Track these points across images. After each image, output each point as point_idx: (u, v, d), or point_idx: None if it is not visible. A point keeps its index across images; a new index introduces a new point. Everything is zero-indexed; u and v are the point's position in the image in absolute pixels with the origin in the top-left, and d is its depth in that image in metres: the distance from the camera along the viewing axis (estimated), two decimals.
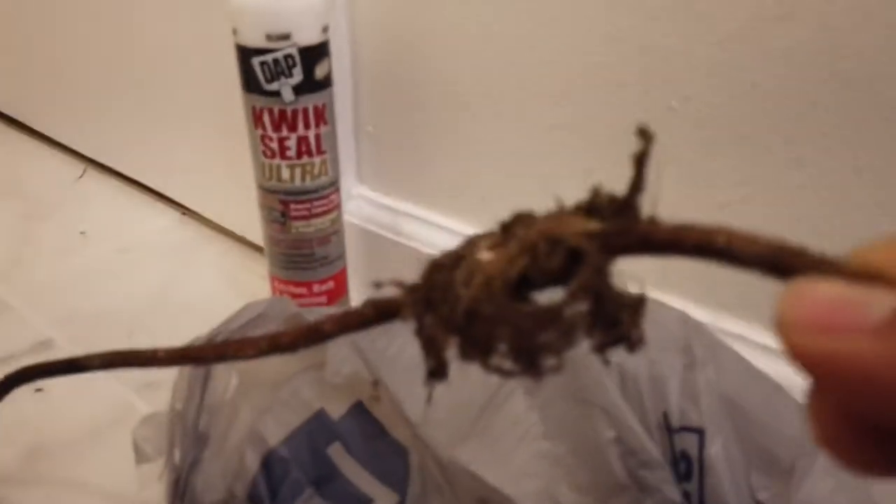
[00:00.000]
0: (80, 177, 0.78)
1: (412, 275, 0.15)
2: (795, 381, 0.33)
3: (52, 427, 0.45)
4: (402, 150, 0.49)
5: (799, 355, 0.11)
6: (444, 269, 0.14)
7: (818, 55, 0.30)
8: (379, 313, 0.17)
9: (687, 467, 0.30)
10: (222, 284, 0.59)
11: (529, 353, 0.13)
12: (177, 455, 0.37)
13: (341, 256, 0.48)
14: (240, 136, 0.44)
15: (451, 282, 0.14)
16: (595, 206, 0.14)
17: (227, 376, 0.41)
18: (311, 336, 0.19)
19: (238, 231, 0.64)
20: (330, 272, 0.47)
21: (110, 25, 0.66)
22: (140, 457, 0.38)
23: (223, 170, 0.60)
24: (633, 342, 0.14)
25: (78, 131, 0.79)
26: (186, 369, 0.40)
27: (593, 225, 0.13)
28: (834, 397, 0.11)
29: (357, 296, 0.52)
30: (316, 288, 0.47)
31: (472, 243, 0.15)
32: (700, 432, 0.29)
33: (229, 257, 0.63)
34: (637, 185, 0.13)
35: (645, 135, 0.13)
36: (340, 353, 0.39)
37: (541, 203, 0.45)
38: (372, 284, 0.17)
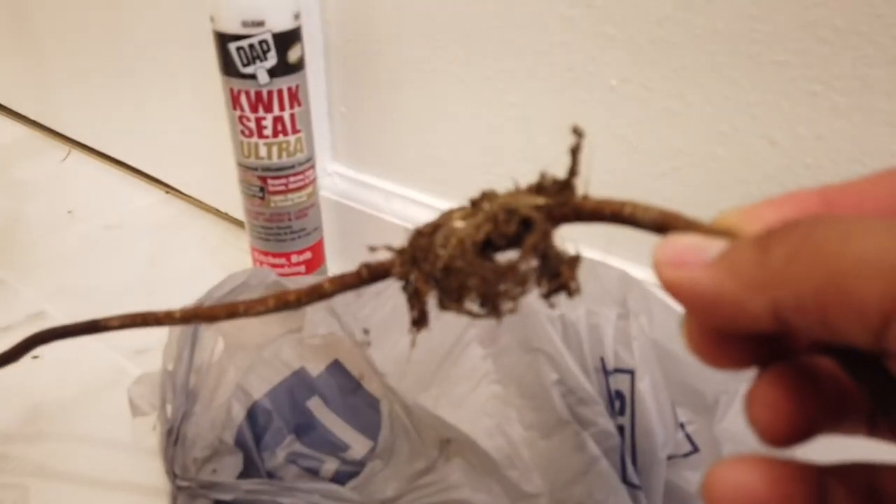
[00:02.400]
0: (65, 159, 0.80)
1: (385, 245, 0.19)
2: None
3: (49, 391, 0.48)
4: (374, 128, 0.52)
5: (664, 283, 0.15)
6: (425, 235, 0.18)
7: (735, 38, 0.34)
8: (372, 274, 0.20)
9: (621, 404, 0.34)
10: (206, 258, 0.63)
11: (492, 299, 0.17)
12: (169, 409, 0.41)
13: (318, 228, 0.51)
14: (220, 117, 0.47)
15: (432, 244, 0.18)
16: (542, 185, 0.17)
17: (213, 340, 0.45)
18: (313, 294, 0.22)
19: (220, 208, 0.68)
20: (307, 243, 0.50)
21: (95, 9, 0.68)
22: (135, 411, 0.41)
23: (205, 150, 0.63)
24: (571, 290, 0.17)
25: (61, 114, 0.82)
26: (175, 334, 0.44)
27: (540, 200, 0.17)
28: (691, 314, 0.15)
29: (333, 265, 0.55)
30: (294, 258, 0.50)
31: (447, 215, 0.18)
32: (631, 373, 0.33)
33: (212, 233, 0.66)
34: (573, 170, 0.17)
35: (577, 132, 0.17)
36: (317, 317, 0.43)
37: (501, 174, 0.49)
38: (368, 249, 0.20)
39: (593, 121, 0.40)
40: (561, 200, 0.17)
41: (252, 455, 0.40)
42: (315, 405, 0.44)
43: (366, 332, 0.39)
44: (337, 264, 0.57)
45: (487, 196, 0.18)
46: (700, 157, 0.38)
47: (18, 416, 0.47)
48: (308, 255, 0.51)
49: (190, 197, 0.71)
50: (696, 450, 0.34)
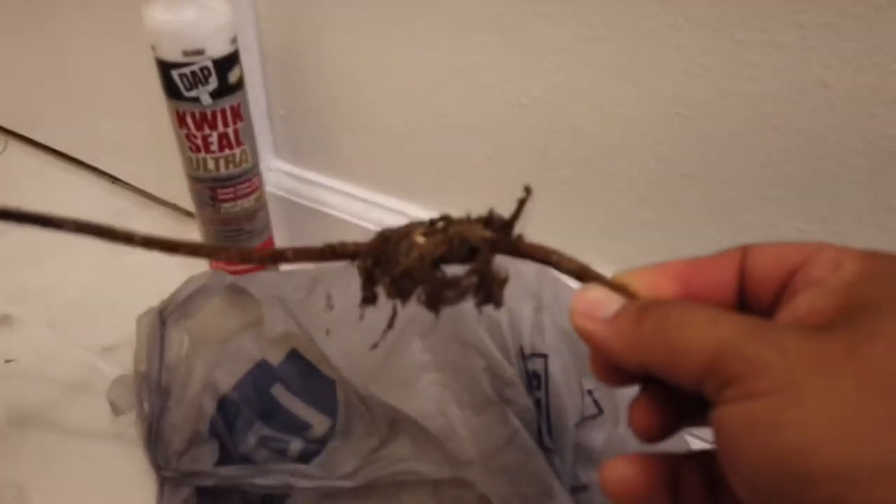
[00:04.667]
0: (1, 152, 0.81)
1: (328, 237, 0.23)
2: None
3: (27, 393, 0.52)
4: (312, 128, 0.56)
5: (575, 328, 0.20)
6: (390, 241, 0.23)
7: (625, 69, 0.39)
8: (335, 253, 0.24)
9: (537, 382, 0.41)
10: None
11: (436, 302, 0.22)
12: (146, 407, 0.46)
13: (267, 227, 0.55)
14: (161, 108, 0.48)
15: (397, 251, 0.22)
16: (490, 220, 0.22)
17: (180, 339, 0.50)
18: (276, 257, 0.26)
19: (169, 199, 0.71)
20: (259, 242, 0.55)
21: (29, 9, 0.68)
22: (115, 411, 0.46)
23: (150, 141, 0.65)
24: (498, 304, 0.23)
25: None
26: (143, 334, 0.48)
27: (487, 233, 0.22)
28: (596, 353, 0.21)
29: None
30: None
31: (410, 227, 0.23)
32: (545, 357, 0.40)
33: (164, 224, 0.69)
34: (516, 215, 0.22)
35: (527, 190, 0.21)
36: (274, 313, 0.48)
37: (433, 172, 0.54)
38: (339, 243, 0.24)
39: (510, 132, 0.45)
40: (503, 237, 0.22)
41: (226, 442, 0.45)
42: (278, 392, 0.50)
43: (327, 332, 0.44)
44: None
45: (446, 220, 0.23)
46: None
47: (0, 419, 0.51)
48: None
49: (137, 188, 0.73)
50: (601, 412, 0.42)
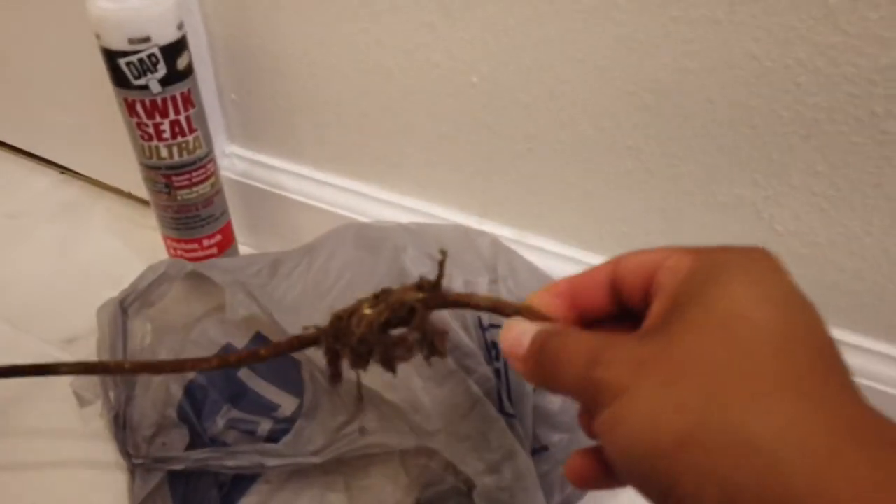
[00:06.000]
0: None
1: (314, 325, 0.27)
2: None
3: None
4: (265, 112, 0.56)
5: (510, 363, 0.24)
6: (343, 318, 0.27)
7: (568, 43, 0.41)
8: (301, 343, 0.30)
9: (496, 352, 0.42)
10: (116, 240, 0.66)
11: (390, 361, 0.27)
12: (112, 396, 0.46)
13: (224, 212, 0.56)
14: (112, 98, 0.48)
15: (349, 325, 0.27)
16: (421, 285, 0.26)
17: (142, 327, 0.50)
18: (252, 358, 0.33)
19: (122, 187, 0.70)
20: (216, 227, 0.55)
21: None
22: (81, 402, 0.47)
23: (99, 128, 0.64)
24: (442, 354, 0.26)
25: None
26: (105, 324, 0.48)
27: (420, 295, 0.26)
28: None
29: (242, 236, 0.60)
30: (206, 242, 0.55)
31: (358, 303, 0.27)
32: (501, 326, 0.42)
33: (118, 213, 0.69)
34: (440, 276, 0.26)
35: (443, 253, 0.26)
36: (237, 298, 0.48)
37: (383, 149, 0.55)
38: (302, 328, 0.29)
39: (462, 110, 0.47)
40: (434, 295, 0.26)
41: (195, 426, 0.46)
42: (245, 374, 0.50)
43: (305, 328, 0.45)
44: (248, 240, 0.62)
45: (386, 292, 0.27)
46: None
47: None
48: (218, 237, 0.55)
49: (88, 177, 0.72)
50: None
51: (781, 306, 0.19)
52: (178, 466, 0.43)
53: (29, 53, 0.65)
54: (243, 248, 0.61)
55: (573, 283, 0.25)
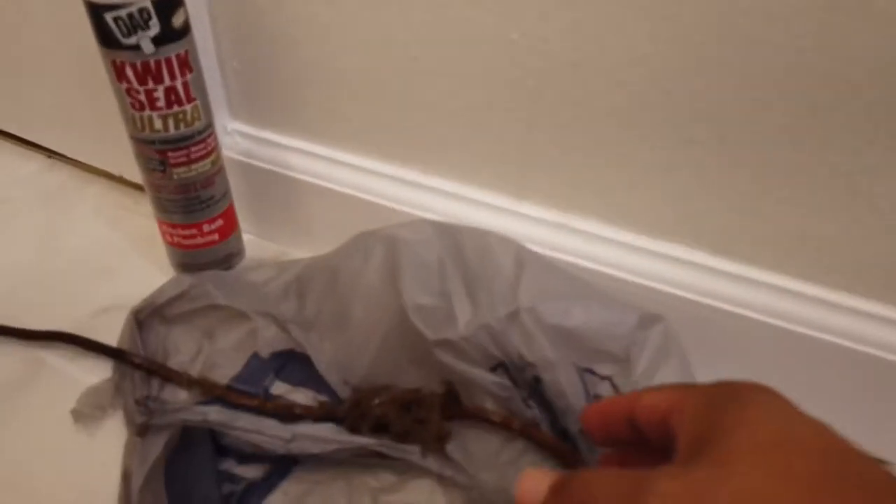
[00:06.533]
0: None
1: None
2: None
3: None
4: (271, 83, 0.50)
5: None
6: (363, 398, 0.39)
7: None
8: (330, 416, 0.40)
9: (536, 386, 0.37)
10: (106, 227, 0.60)
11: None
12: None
13: (226, 194, 0.50)
14: (102, 75, 0.43)
15: (370, 405, 0.38)
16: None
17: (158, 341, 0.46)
18: (286, 411, 0.41)
19: (113, 171, 0.64)
20: (217, 211, 0.49)
21: None
22: (78, 418, 0.41)
23: (88, 110, 0.58)
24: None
25: None
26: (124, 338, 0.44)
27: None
28: None
29: (246, 222, 0.54)
30: (206, 227, 0.49)
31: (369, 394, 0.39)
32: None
33: (108, 198, 0.63)
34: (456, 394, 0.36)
35: (449, 384, 0.37)
36: (270, 332, 0.45)
37: (403, 127, 0.49)
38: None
39: (496, 73, 0.41)
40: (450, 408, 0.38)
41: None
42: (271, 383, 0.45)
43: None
44: (252, 228, 0.56)
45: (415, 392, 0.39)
46: None
47: None
48: (220, 222, 0.50)
49: (77, 161, 0.66)
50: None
51: (805, 423, 0.20)
52: (191, 417, 0.38)
53: (13, 29, 0.59)
54: (247, 238, 0.55)
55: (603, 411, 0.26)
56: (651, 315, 0.38)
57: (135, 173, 0.51)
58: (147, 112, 0.43)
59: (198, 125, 0.45)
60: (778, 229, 0.38)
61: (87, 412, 0.40)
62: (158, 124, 0.43)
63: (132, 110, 0.43)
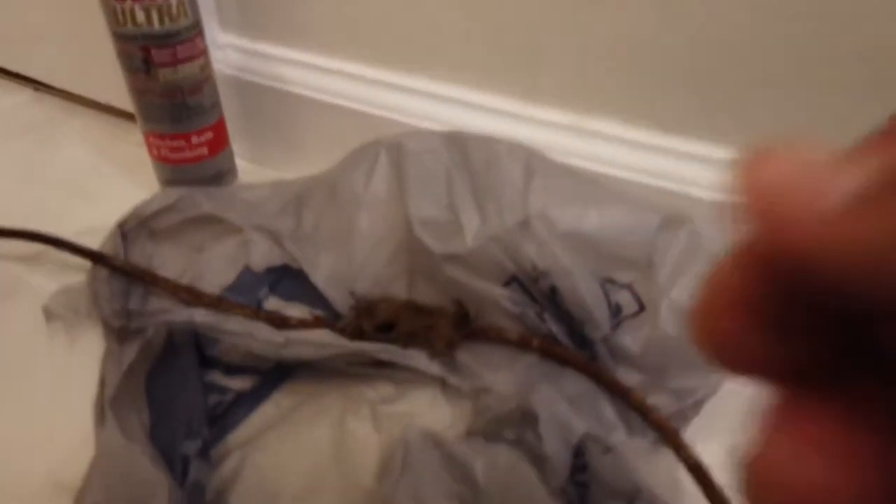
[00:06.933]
0: None
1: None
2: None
3: None
4: None
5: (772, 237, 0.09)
6: (370, 303, 0.37)
7: None
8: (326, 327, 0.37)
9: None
10: (95, 156, 0.57)
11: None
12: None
13: (216, 105, 0.47)
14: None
15: (376, 307, 0.36)
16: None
17: (142, 249, 0.42)
18: (281, 322, 0.37)
19: (102, 100, 0.61)
20: (206, 122, 0.46)
21: None
22: (50, 317, 0.38)
23: (73, 36, 0.55)
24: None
25: None
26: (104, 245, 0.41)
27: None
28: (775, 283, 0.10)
29: (238, 145, 0.51)
30: (195, 139, 0.46)
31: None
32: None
33: (97, 128, 0.60)
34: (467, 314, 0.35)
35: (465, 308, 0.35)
36: (264, 246, 0.42)
37: (420, 26, 0.45)
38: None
39: None
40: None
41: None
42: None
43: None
44: (242, 144, 0.53)
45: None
46: None
47: None
48: (209, 135, 0.46)
49: (65, 92, 0.63)
50: (642, 308, 0.34)
51: None
52: (175, 318, 0.35)
53: None
54: (240, 163, 0.52)
55: None
56: (675, 217, 0.35)
57: (123, 100, 0.48)
58: (128, 3, 0.40)
59: (183, 22, 0.41)
60: (815, 123, 0.35)
61: (59, 312, 0.37)
62: (141, 17, 0.40)
63: (113, 1, 0.40)
